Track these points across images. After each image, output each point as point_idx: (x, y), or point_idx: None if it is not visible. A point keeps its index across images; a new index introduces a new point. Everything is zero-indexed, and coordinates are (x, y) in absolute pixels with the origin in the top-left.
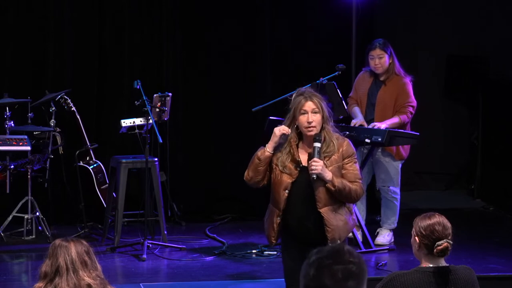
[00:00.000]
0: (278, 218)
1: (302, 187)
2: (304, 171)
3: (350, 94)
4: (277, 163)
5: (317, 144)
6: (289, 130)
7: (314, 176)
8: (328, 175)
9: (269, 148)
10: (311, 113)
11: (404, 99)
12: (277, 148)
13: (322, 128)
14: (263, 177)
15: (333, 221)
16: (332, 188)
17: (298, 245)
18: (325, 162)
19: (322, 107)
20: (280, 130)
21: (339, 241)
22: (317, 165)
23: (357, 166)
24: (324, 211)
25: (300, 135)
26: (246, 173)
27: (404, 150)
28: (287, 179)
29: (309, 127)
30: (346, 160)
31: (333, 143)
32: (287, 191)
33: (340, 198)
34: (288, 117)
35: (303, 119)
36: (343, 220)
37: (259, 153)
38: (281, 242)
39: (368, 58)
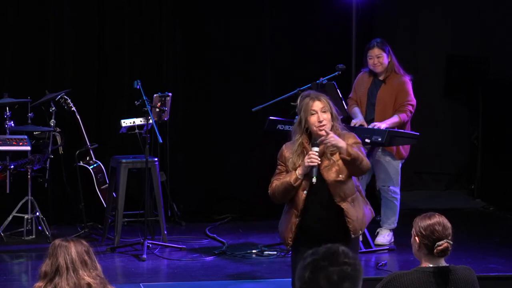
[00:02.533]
0: (297, 219)
1: (318, 186)
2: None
3: (350, 95)
4: (290, 166)
5: (315, 149)
6: (319, 160)
7: (314, 180)
8: (342, 144)
9: (300, 175)
10: (321, 112)
11: (404, 98)
12: (307, 175)
13: (332, 127)
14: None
15: (354, 213)
16: (348, 158)
17: (312, 245)
18: (332, 161)
19: (330, 105)
20: (309, 162)
21: (360, 232)
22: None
23: (363, 150)
24: (343, 204)
25: (310, 136)
26: (271, 193)
27: (404, 150)
28: (305, 180)
29: (321, 125)
30: (351, 142)
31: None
32: (305, 191)
33: (353, 169)
34: (297, 121)
35: (313, 119)
36: (362, 211)
37: (292, 179)
38: (294, 242)
39: (366, 58)
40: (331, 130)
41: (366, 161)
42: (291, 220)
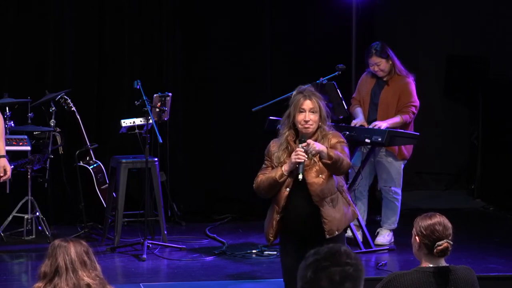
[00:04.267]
0: (278, 215)
1: (300, 184)
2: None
3: (353, 95)
4: (274, 160)
5: (301, 145)
6: (306, 157)
7: (301, 177)
8: (323, 148)
9: (285, 171)
10: (309, 112)
11: (406, 99)
12: (292, 172)
13: (318, 128)
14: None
15: (330, 213)
16: (329, 162)
17: (296, 243)
18: (313, 161)
19: (320, 106)
20: (296, 158)
21: (336, 233)
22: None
23: (346, 149)
24: (321, 203)
25: (297, 132)
26: (256, 186)
27: (407, 150)
28: (290, 177)
29: (306, 125)
30: (334, 141)
31: (324, 141)
32: (288, 188)
33: (333, 170)
34: (286, 113)
35: (300, 117)
36: (341, 212)
37: (277, 175)
38: (280, 240)
39: (367, 62)
40: (317, 131)
41: (346, 162)
42: (272, 216)
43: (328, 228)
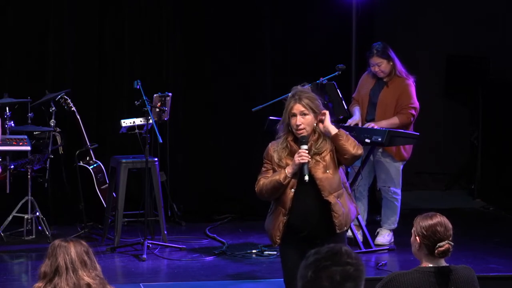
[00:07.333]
0: (284, 217)
1: (304, 183)
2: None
3: (353, 95)
4: (275, 157)
5: (304, 147)
6: (309, 157)
7: (306, 178)
8: (332, 129)
9: (289, 174)
10: (300, 115)
11: (405, 101)
12: (295, 174)
13: (316, 128)
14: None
15: (340, 208)
16: (340, 138)
17: (298, 242)
18: (318, 159)
19: (312, 107)
20: (300, 159)
21: (345, 228)
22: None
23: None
24: (331, 198)
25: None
26: (259, 190)
27: (406, 151)
28: (293, 178)
29: (298, 130)
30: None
31: (325, 140)
32: (293, 189)
33: (347, 148)
34: (282, 117)
35: (292, 121)
36: (347, 207)
37: (281, 177)
38: (281, 240)
39: (368, 63)
40: (313, 131)
41: (353, 141)
42: (278, 218)
43: (338, 222)
